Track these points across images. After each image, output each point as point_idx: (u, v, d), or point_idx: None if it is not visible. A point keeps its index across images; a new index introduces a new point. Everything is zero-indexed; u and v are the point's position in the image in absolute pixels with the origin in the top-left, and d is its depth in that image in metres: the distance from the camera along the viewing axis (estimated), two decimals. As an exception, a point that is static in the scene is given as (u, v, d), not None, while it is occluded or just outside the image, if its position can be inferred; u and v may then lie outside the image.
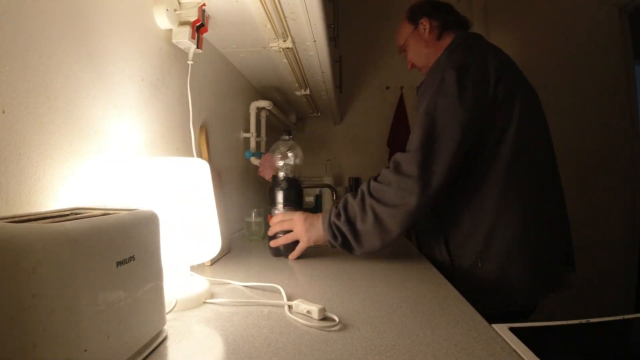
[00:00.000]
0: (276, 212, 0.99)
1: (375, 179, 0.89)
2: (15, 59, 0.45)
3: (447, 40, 1.06)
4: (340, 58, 1.95)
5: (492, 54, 0.94)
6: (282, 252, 0.97)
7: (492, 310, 0.71)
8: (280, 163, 0.99)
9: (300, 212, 0.96)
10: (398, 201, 0.84)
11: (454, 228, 0.96)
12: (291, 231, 0.94)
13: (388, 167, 0.88)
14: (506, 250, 0.91)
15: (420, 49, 1.11)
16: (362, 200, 0.88)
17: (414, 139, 0.87)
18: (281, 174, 1.00)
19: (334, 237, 0.88)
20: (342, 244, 0.89)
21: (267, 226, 1.00)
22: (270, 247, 0.99)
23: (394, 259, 0.98)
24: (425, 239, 1.07)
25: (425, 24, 1.08)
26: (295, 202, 0.99)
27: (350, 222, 0.88)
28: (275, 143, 1.04)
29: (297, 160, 1.01)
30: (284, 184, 0.99)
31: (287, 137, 1.03)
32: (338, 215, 0.89)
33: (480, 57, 0.92)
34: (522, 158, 0.92)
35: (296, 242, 0.95)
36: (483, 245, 0.92)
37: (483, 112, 0.88)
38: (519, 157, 0.91)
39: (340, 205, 0.90)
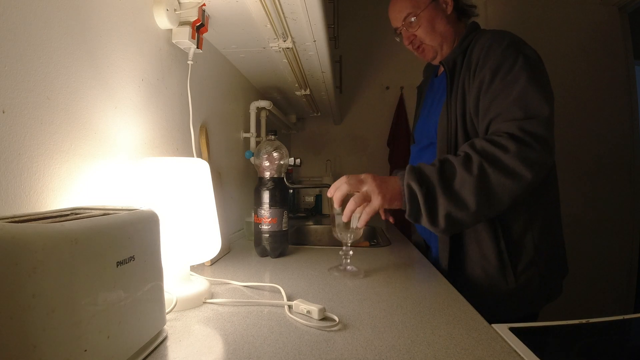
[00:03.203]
0: (265, 211, 0.97)
1: (486, 139, 0.74)
2: (15, 59, 0.45)
3: (463, 25, 0.99)
4: (340, 58, 1.95)
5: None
6: (268, 252, 0.97)
7: (518, 315, 0.74)
8: (267, 163, 0.98)
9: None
10: (517, 170, 0.70)
11: (508, 233, 0.85)
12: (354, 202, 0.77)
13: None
14: (550, 254, 0.87)
15: (439, 25, 0.95)
16: (468, 158, 0.72)
17: (534, 106, 0.74)
18: (267, 174, 0.99)
19: (413, 192, 0.71)
20: (424, 202, 0.70)
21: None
22: (256, 247, 0.99)
23: (393, 260, 0.98)
24: (471, 249, 0.88)
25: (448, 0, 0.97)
26: (281, 203, 0.98)
27: (445, 177, 0.71)
28: (261, 143, 1.04)
29: (284, 160, 1.00)
30: (270, 184, 0.98)
31: (272, 136, 1.02)
32: (425, 167, 0.74)
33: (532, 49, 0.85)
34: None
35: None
36: (533, 250, 0.85)
37: None
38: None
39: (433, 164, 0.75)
